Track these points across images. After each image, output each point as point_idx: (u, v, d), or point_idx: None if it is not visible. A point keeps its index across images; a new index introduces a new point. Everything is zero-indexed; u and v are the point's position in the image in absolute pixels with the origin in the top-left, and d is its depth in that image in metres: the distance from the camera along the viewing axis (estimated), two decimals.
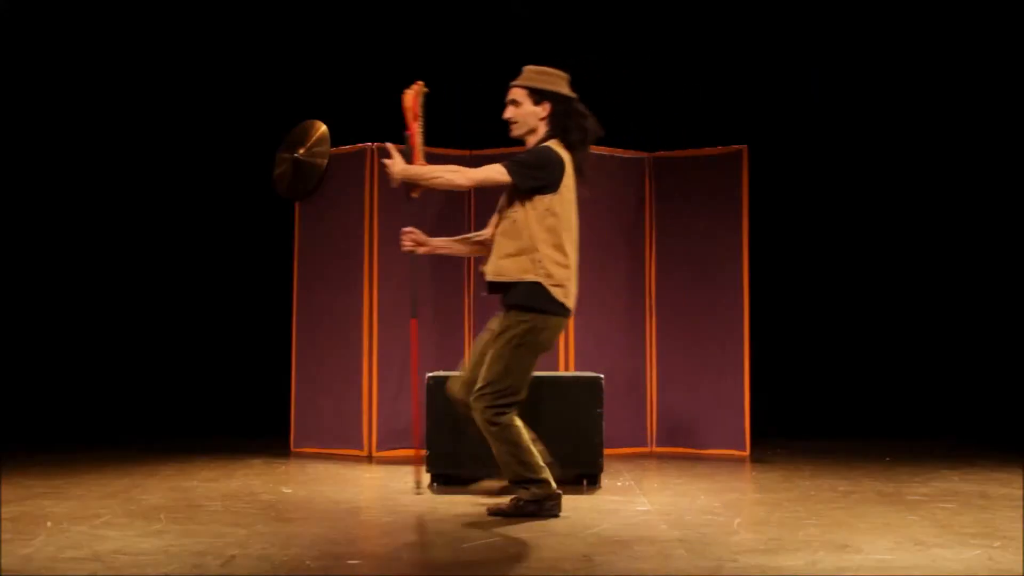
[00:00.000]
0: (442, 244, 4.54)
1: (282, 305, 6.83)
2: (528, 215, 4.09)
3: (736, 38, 7.59)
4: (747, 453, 6.32)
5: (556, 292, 4.07)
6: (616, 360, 6.41)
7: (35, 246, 7.73)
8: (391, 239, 6.32)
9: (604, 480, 5.04)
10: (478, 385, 4.15)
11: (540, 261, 4.05)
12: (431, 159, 6.53)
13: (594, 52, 7.63)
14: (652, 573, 3.17)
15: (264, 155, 6.86)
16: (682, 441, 6.50)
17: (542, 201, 4.10)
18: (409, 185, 4.34)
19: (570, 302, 4.14)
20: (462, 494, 4.74)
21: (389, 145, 4.46)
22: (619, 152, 6.62)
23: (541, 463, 4.12)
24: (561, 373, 5.85)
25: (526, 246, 4.07)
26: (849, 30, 7.50)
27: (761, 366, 6.78)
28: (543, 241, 4.06)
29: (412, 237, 4.40)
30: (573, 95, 4.31)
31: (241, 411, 7.57)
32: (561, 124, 4.21)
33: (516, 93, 4.33)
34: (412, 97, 4.52)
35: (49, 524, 3.87)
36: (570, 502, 4.48)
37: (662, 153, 6.70)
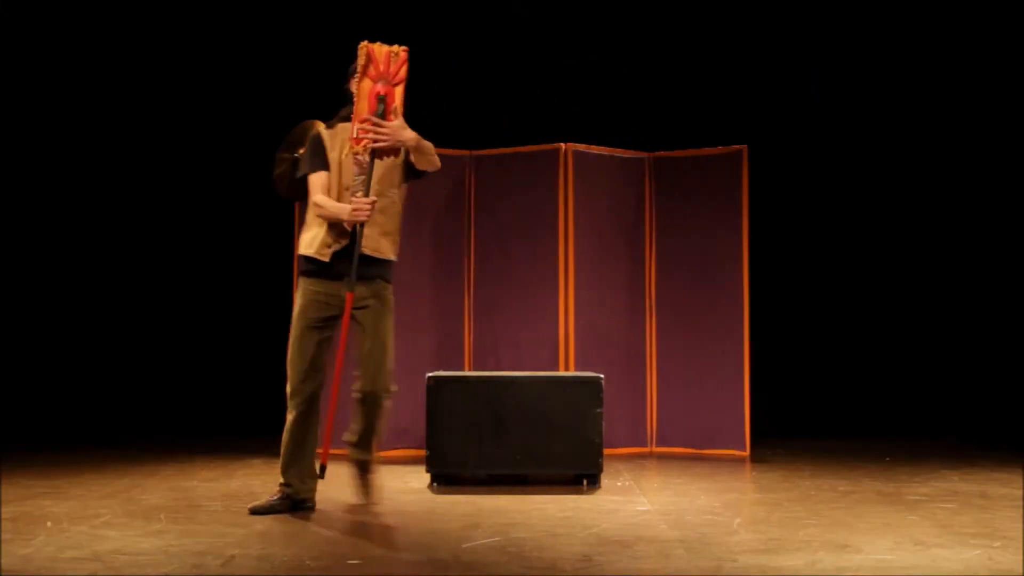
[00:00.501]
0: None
1: (282, 305, 6.82)
2: (400, 198, 4.37)
3: (736, 38, 7.59)
4: (747, 453, 6.32)
5: None
6: (616, 360, 6.41)
7: (36, 246, 7.73)
8: None
9: (604, 480, 5.03)
10: (388, 368, 4.27)
11: (398, 242, 4.37)
12: None
13: (594, 52, 7.64)
14: (652, 573, 3.17)
15: (264, 155, 6.85)
16: (682, 441, 6.50)
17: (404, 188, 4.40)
18: (384, 153, 4.25)
19: None
20: (462, 494, 4.74)
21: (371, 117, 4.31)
22: (619, 152, 6.62)
23: None
24: (561, 373, 5.85)
25: (397, 227, 4.34)
26: (849, 30, 7.50)
27: (761, 366, 6.78)
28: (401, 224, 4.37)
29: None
30: None
31: (241, 411, 7.56)
32: None
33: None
34: (399, 62, 4.46)
35: (49, 524, 3.87)
36: (570, 502, 4.49)
37: (662, 153, 6.71)
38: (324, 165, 4.25)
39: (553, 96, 7.63)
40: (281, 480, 4.29)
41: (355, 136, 4.23)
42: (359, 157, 4.25)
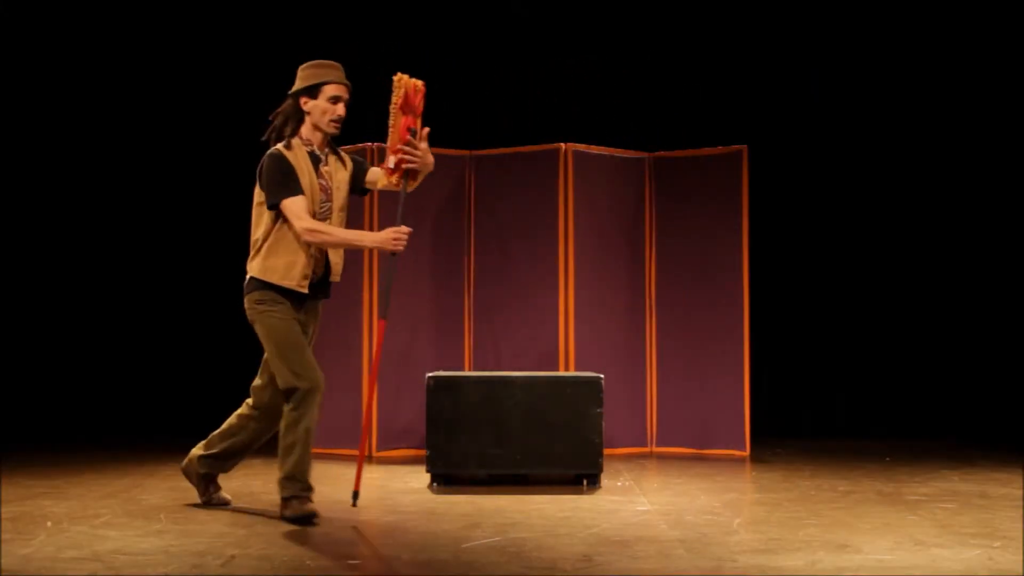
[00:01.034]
0: None
1: None
2: None
3: (736, 38, 7.59)
4: (747, 453, 6.32)
5: None
6: (616, 360, 6.41)
7: (35, 247, 7.72)
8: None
9: (604, 480, 5.04)
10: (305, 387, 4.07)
11: None
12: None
13: (594, 52, 7.64)
14: (652, 573, 3.17)
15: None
16: (682, 441, 6.50)
17: None
18: (412, 177, 4.28)
19: None
20: (462, 494, 4.74)
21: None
22: (619, 152, 6.62)
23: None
24: (561, 373, 5.86)
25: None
26: (849, 30, 7.50)
27: (761, 366, 6.77)
28: None
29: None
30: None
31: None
32: None
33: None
34: (420, 95, 4.39)
35: (49, 524, 3.87)
36: (570, 502, 4.49)
37: (662, 153, 6.71)
38: (300, 188, 4.04)
39: (553, 96, 7.62)
40: (308, 486, 4.10)
41: (391, 167, 4.22)
42: (396, 184, 4.23)
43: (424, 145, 4.25)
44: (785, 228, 7.63)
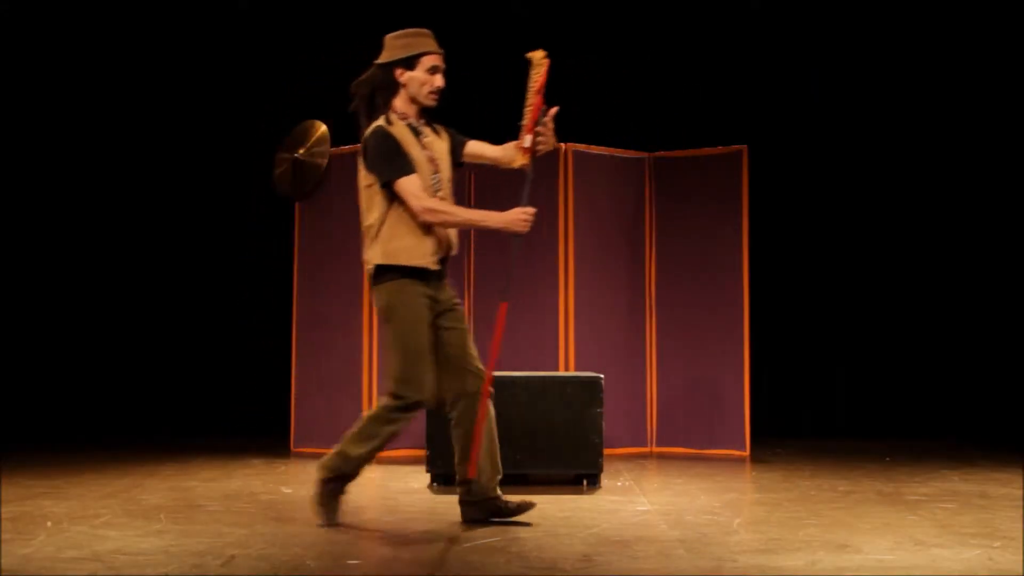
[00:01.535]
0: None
1: (282, 305, 6.84)
2: None
3: (736, 38, 7.59)
4: (747, 453, 6.32)
5: None
6: (616, 360, 6.41)
7: (35, 247, 7.73)
8: None
9: (604, 480, 5.04)
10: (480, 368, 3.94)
11: None
12: None
13: (594, 52, 7.64)
14: (652, 573, 3.17)
15: (264, 155, 6.87)
16: (682, 441, 6.50)
17: None
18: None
19: None
20: None
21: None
22: (619, 152, 6.62)
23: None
24: (561, 373, 5.85)
25: None
26: (849, 30, 7.50)
27: (761, 366, 6.77)
28: None
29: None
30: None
31: (241, 411, 7.57)
32: None
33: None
34: (544, 71, 4.12)
35: (49, 524, 3.87)
36: (570, 502, 4.49)
37: (662, 153, 6.70)
38: (412, 166, 3.83)
39: (553, 96, 7.61)
40: (345, 473, 3.98)
41: (527, 146, 4.05)
42: (526, 165, 4.03)
43: (552, 125, 4.09)
44: (785, 228, 7.63)
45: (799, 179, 7.65)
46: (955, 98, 7.52)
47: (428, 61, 3.95)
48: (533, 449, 4.98)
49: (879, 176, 7.72)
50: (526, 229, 3.89)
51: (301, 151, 6.55)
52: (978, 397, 7.45)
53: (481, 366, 3.94)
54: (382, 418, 3.86)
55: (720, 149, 6.56)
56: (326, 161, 6.45)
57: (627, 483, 5.12)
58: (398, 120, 3.90)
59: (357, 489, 4.98)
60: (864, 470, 5.55)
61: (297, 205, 6.67)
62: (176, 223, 7.93)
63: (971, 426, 7.28)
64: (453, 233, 3.97)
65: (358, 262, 6.27)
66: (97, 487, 4.83)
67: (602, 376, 5.09)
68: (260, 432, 7.04)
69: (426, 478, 5.07)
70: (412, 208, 3.79)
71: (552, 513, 4.19)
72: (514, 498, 3.99)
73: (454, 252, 3.98)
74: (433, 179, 3.92)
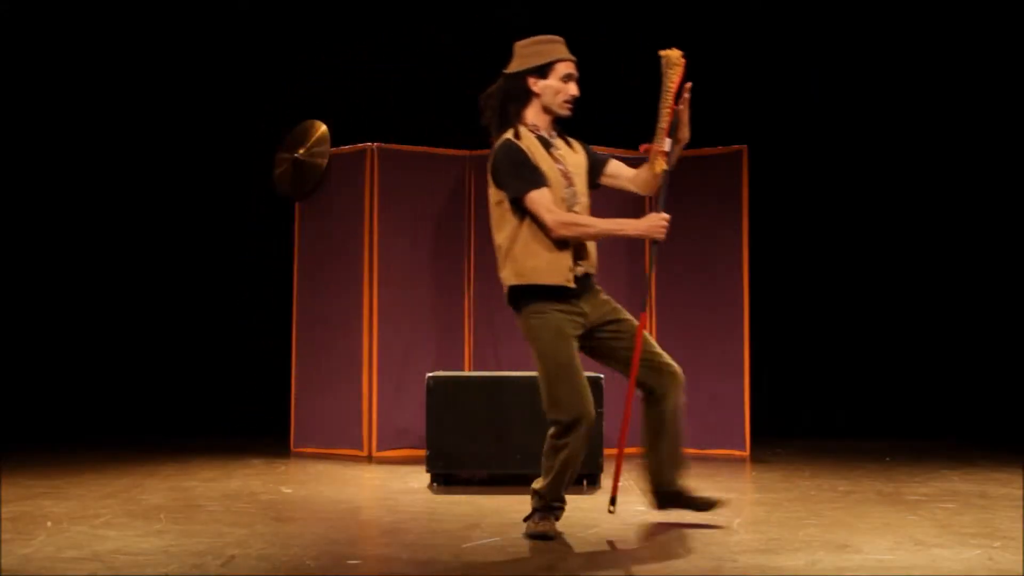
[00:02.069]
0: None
1: (282, 305, 6.84)
2: None
3: (736, 38, 7.58)
4: (747, 453, 6.32)
5: None
6: None
7: (35, 246, 7.73)
8: (391, 239, 6.35)
9: (604, 480, 5.03)
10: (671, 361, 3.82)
11: None
12: (429, 159, 6.58)
13: (591, 50, 7.63)
14: (652, 573, 3.17)
15: (264, 155, 6.87)
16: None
17: None
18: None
19: None
20: (462, 494, 4.74)
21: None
22: (619, 152, 6.59)
23: None
24: None
25: None
26: (849, 30, 7.50)
27: (761, 366, 6.77)
28: None
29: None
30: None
31: (241, 411, 7.57)
32: None
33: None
34: (681, 71, 3.92)
35: (49, 524, 3.87)
36: (570, 502, 4.47)
37: None
38: (543, 179, 3.65)
39: None
40: (549, 504, 3.77)
41: (666, 149, 3.86)
42: (658, 172, 3.84)
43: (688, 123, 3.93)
44: (785, 228, 7.63)
45: (799, 179, 7.64)
46: (955, 98, 7.52)
47: (562, 69, 3.79)
48: (533, 449, 4.95)
49: (879, 176, 7.72)
50: (663, 236, 3.74)
51: (301, 151, 6.56)
52: (978, 397, 7.45)
53: (671, 362, 3.85)
54: (551, 448, 3.75)
55: (720, 149, 6.56)
56: (326, 161, 6.46)
57: (627, 483, 5.12)
58: (527, 132, 3.75)
59: (357, 489, 5.00)
60: (864, 470, 5.55)
61: (297, 205, 6.68)
62: (176, 223, 7.93)
63: (971, 426, 7.28)
64: (592, 246, 3.81)
65: (358, 262, 6.32)
66: (97, 487, 4.83)
67: (602, 376, 5.08)
68: (260, 432, 7.04)
69: (426, 478, 5.07)
70: (546, 223, 3.61)
71: None
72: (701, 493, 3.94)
73: (593, 266, 3.81)
74: (566, 192, 3.73)
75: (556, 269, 3.65)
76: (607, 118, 7.50)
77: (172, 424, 7.57)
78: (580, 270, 3.71)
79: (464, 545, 3.55)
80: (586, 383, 3.69)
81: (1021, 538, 3.64)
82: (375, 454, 6.19)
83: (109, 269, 7.88)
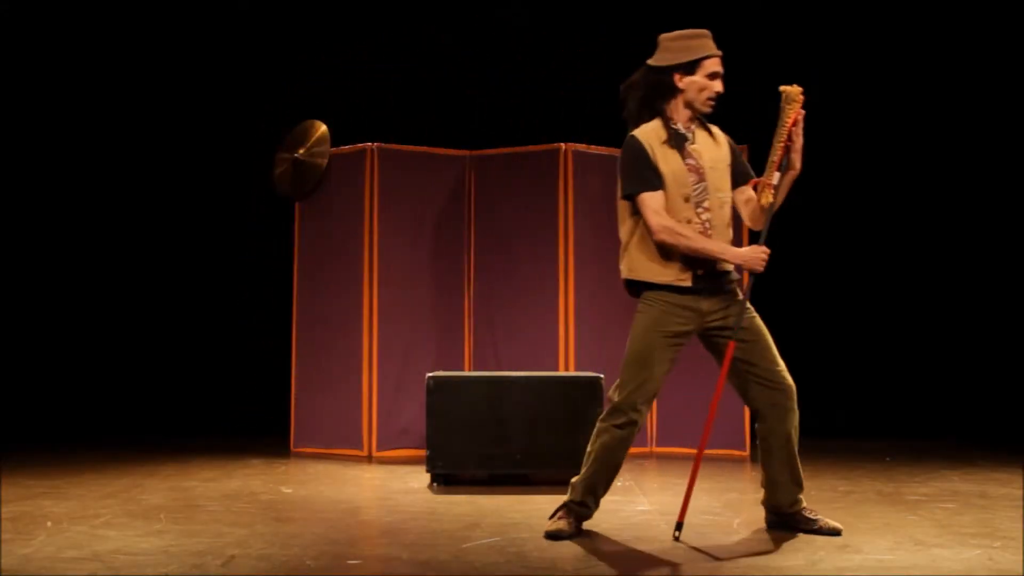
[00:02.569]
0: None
1: (282, 305, 6.84)
2: None
3: (736, 38, 7.57)
4: (747, 453, 6.32)
5: None
6: (616, 359, 6.36)
7: (36, 246, 7.73)
8: (391, 239, 6.36)
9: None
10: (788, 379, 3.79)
11: None
12: (429, 159, 6.58)
13: (593, 51, 7.64)
14: (652, 573, 3.17)
15: (264, 155, 6.87)
16: (682, 441, 6.50)
17: None
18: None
19: None
20: (462, 494, 4.74)
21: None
22: (619, 152, 6.61)
23: None
24: (561, 373, 5.86)
25: None
26: (849, 30, 7.50)
27: None
28: None
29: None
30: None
31: (241, 411, 7.57)
32: None
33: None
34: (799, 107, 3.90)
35: (49, 524, 3.87)
36: None
37: None
38: (660, 182, 3.65)
39: (553, 96, 7.63)
40: (578, 499, 3.77)
41: (775, 183, 3.86)
42: (765, 205, 3.81)
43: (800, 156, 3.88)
44: (784, 228, 7.62)
45: (798, 179, 7.62)
46: (956, 98, 7.52)
47: (710, 65, 3.76)
48: (533, 449, 4.98)
49: (878, 176, 7.71)
50: (762, 269, 3.70)
51: (301, 151, 6.55)
52: (978, 397, 7.44)
53: (788, 379, 3.81)
54: (595, 432, 3.77)
55: None
56: (326, 161, 6.45)
57: (627, 483, 5.12)
58: (658, 127, 3.73)
59: (357, 489, 5.00)
60: (864, 470, 5.55)
61: (297, 205, 6.67)
62: (176, 223, 7.93)
63: (971, 426, 7.28)
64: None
65: (358, 262, 6.32)
66: (97, 487, 4.83)
67: (602, 376, 5.09)
68: (260, 432, 7.04)
69: (426, 478, 5.08)
70: (650, 225, 3.62)
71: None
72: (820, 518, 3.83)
73: (726, 267, 3.73)
74: (695, 189, 3.70)
75: (668, 269, 3.67)
76: (607, 118, 7.52)
77: (172, 424, 7.57)
78: (700, 270, 3.68)
79: (464, 545, 3.55)
80: (654, 384, 3.71)
81: (1021, 538, 3.64)
82: (375, 454, 6.19)
83: (109, 269, 7.88)
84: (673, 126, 3.75)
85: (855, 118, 7.69)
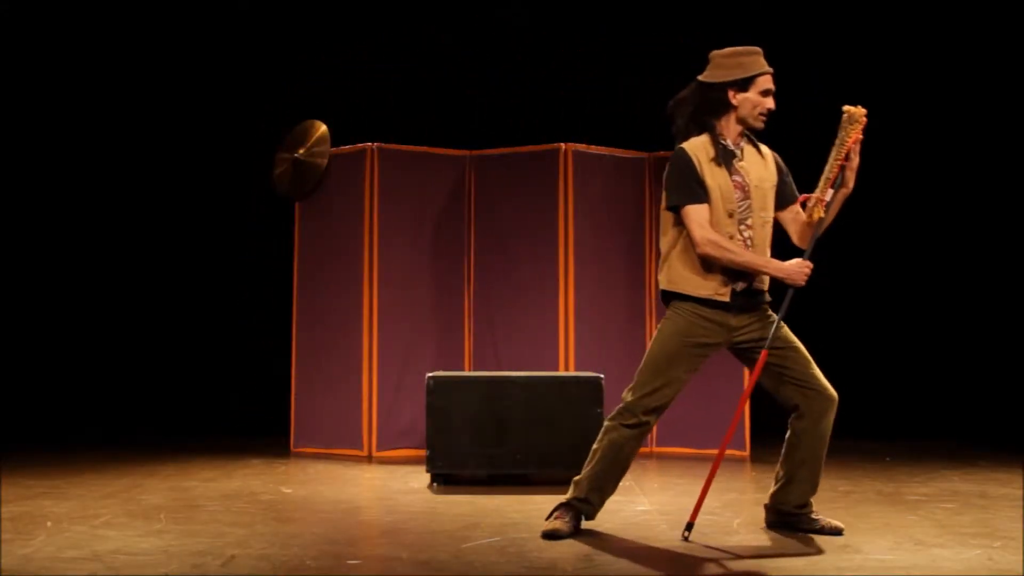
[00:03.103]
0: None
1: (282, 305, 6.84)
2: None
3: (735, 38, 7.57)
4: (747, 453, 6.32)
5: None
6: (616, 360, 6.40)
7: (36, 246, 7.73)
8: (391, 239, 6.36)
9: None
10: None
11: None
12: (429, 159, 6.58)
13: (594, 51, 7.64)
14: (652, 573, 3.17)
15: (264, 155, 6.87)
16: (682, 441, 6.50)
17: None
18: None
19: None
20: (462, 494, 4.74)
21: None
22: (619, 152, 6.62)
23: None
24: (561, 373, 5.86)
25: None
26: (849, 30, 7.50)
27: None
28: None
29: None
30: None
31: (241, 411, 7.57)
32: None
33: None
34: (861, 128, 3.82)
35: (49, 524, 3.87)
36: None
37: (662, 153, 6.69)
38: (706, 195, 3.67)
39: (553, 96, 7.63)
40: (580, 496, 3.80)
41: (827, 199, 3.87)
42: (815, 219, 3.83)
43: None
44: (784, 227, 7.62)
45: (798, 179, 7.62)
46: (956, 98, 7.51)
47: (763, 83, 3.77)
48: (533, 449, 4.98)
49: (877, 177, 7.70)
50: (803, 283, 3.74)
51: (301, 151, 6.55)
52: (978, 397, 7.44)
53: (828, 386, 3.80)
54: (603, 430, 3.82)
55: None
56: (326, 161, 6.45)
57: (627, 483, 5.12)
58: (707, 142, 3.74)
59: (357, 489, 5.00)
60: (864, 470, 5.55)
61: (297, 205, 6.67)
62: (176, 223, 7.93)
63: (971, 426, 7.28)
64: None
65: (358, 262, 6.32)
66: (97, 487, 4.83)
67: (602, 376, 5.09)
68: (260, 432, 7.04)
69: (426, 478, 5.08)
70: (695, 238, 3.64)
71: None
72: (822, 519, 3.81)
73: (764, 283, 3.78)
74: (740, 205, 3.73)
75: (707, 283, 3.69)
76: (606, 117, 7.53)
77: (172, 424, 7.57)
78: (741, 285, 3.71)
79: (464, 545, 3.55)
80: (669, 391, 3.74)
81: (1021, 538, 3.64)
82: (375, 454, 6.19)
83: (110, 269, 7.87)
84: (722, 142, 3.77)
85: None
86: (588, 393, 5.00)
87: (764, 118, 3.79)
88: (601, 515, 4.10)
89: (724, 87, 3.76)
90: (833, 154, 3.84)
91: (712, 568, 3.21)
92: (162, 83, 7.78)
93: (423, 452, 5.11)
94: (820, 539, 3.64)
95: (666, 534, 3.77)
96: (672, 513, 4.22)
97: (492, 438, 4.98)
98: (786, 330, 3.83)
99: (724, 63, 3.80)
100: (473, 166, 6.58)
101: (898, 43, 7.53)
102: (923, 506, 4.37)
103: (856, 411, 7.63)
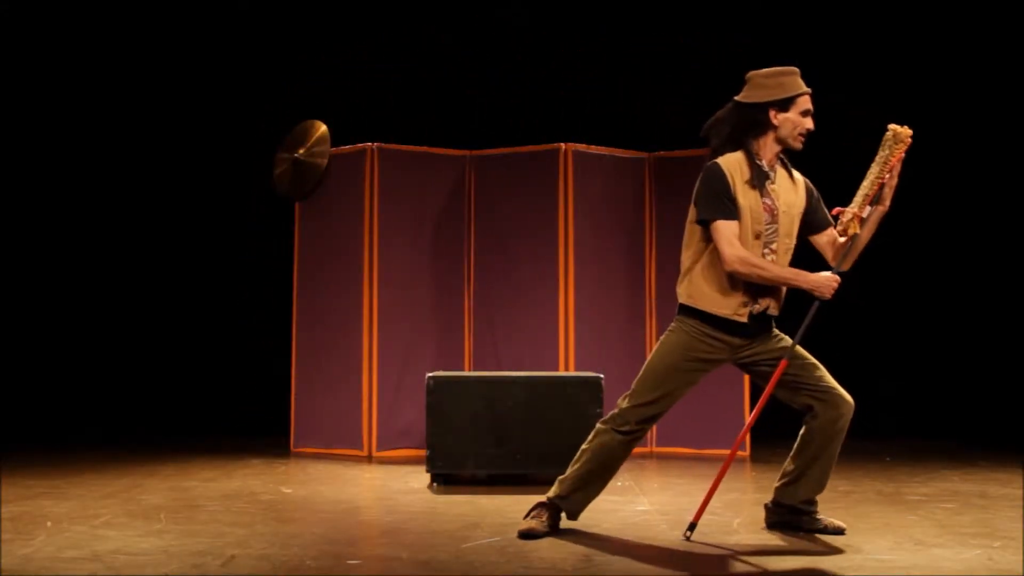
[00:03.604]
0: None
1: (282, 305, 6.84)
2: None
3: (735, 38, 7.58)
4: (747, 453, 6.32)
5: None
6: (616, 360, 6.40)
7: (36, 246, 7.73)
8: (391, 239, 6.36)
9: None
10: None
11: None
12: (429, 159, 6.59)
13: (594, 50, 7.64)
14: (652, 573, 3.17)
15: (264, 155, 6.87)
16: (682, 441, 6.50)
17: None
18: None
19: None
20: (462, 494, 4.74)
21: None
22: (619, 152, 6.62)
23: None
24: (561, 373, 5.86)
25: None
26: (848, 30, 7.50)
27: None
28: None
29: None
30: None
31: (241, 411, 7.57)
32: None
33: None
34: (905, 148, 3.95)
35: (49, 524, 3.87)
36: None
37: (662, 153, 6.70)
38: (736, 212, 3.65)
39: (553, 96, 7.63)
40: (563, 495, 3.79)
41: (864, 215, 3.90)
42: (850, 234, 3.87)
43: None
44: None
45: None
46: (956, 99, 7.51)
47: (803, 103, 3.80)
48: (533, 449, 4.98)
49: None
50: (831, 296, 3.80)
51: (301, 151, 6.55)
52: (978, 397, 7.44)
53: (844, 392, 3.82)
54: (593, 432, 3.83)
55: None
56: (326, 161, 6.46)
57: (627, 483, 5.12)
58: (744, 162, 3.73)
59: (357, 489, 5.00)
60: (864, 470, 5.55)
61: (297, 205, 6.68)
62: (176, 223, 7.93)
63: (971, 426, 7.28)
64: (779, 291, 3.82)
65: (358, 262, 6.32)
66: (97, 487, 4.83)
67: (602, 376, 5.09)
68: (260, 432, 7.04)
69: (426, 478, 5.08)
70: (724, 255, 3.62)
71: None
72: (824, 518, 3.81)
73: (777, 308, 3.83)
74: (767, 228, 3.74)
75: (726, 303, 3.68)
76: (606, 117, 7.52)
77: (172, 424, 7.57)
78: (758, 308, 3.74)
79: (464, 545, 3.55)
80: (663, 405, 3.75)
81: (1021, 538, 3.64)
82: (375, 454, 6.19)
83: (110, 269, 7.87)
84: (758, 162, 3.76)
85: (854, 119, 7.68)
86: (588, 393, 5.00)
87: (803, 138, 3.79)
88: (601, 515, 4.10)
89: (766, 107, 3.76)
90: (875, 171, 3.89)
91: (712, 568, 3.21)
92: (162, 83, 7.78)
93: (423, 452, 5.11)
94: (820, 539, 3.64)
95: (666, 534, 3.77)
96: (672, 513, 4.22)
97: (492, 438, 4.98)
98: (788, 344, 3.84)
99: (765, 83, 3.81)
100: (473, 166, 6.58)
101: (898, 43, 7.52)
102: (923, 506, 4.37)
103: (856, 411, 7.65)
